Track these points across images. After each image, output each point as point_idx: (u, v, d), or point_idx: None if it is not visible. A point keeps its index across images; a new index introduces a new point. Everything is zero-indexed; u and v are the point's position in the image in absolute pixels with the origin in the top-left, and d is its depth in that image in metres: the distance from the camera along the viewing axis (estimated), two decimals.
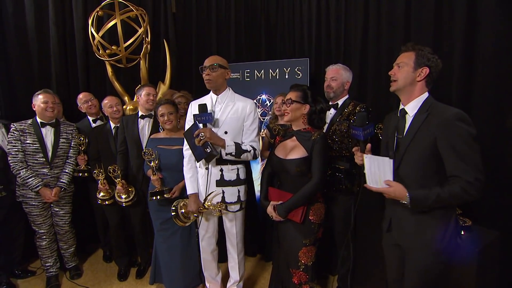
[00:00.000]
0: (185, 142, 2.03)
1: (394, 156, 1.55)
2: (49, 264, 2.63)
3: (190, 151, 2.01)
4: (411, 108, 1.51)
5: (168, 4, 3.49)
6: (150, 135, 2.51)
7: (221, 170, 2.00)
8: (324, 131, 2.22)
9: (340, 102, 2.32)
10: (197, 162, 2.00)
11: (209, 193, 1.99)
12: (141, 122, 2.59)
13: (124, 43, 2.93)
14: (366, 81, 3.05)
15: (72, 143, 2.61)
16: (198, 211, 2.01)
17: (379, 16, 2.97)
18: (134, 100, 2.97)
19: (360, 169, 1.59)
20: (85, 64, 3.26)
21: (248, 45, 3.71)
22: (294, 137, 1.87)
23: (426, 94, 1.50)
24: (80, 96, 2.85)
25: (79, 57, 3.22)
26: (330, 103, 2.35)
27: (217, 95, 2.02)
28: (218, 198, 2.02)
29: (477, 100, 2.33)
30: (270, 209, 1.88)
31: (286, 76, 3.35)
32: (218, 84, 1.98)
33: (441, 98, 1.60)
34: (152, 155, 2.21)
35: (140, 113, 2.60)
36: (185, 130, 2.02)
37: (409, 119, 1.52)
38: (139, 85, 2.71)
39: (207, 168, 1.99)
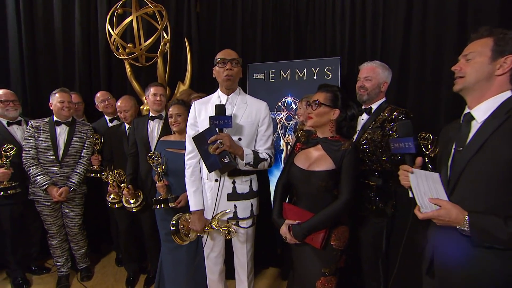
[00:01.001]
0: (188, 148, 1.78)
1: (448, 174, 1.18)
2: (59, 263, 2.57)
3: (194, 160, 1.77)
4: (482, 111, 1.12)
5: (192, 3, 3.34)
6: (160, 137, 2.34)
7: (234, 182, 1.73)
8: (354, 139, 1.86)
9: (374, 106, 1.95)
10: (209, 172, 1.71)
11: (218, 210, 1.73)
12: (151, 124, 2.43)
13: (145, 41, 2.81)
14: (406, 84, 2.62)
15: (87, 142, 2.52)
16: (203, 230, 1.75)
17: (425, 8, 2.52)
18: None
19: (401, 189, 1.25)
20: (107, 64, 3.21)
21: (275, 45, 3.42)
22: (319, 146, 1.57)
23: (508, 93, 1.11)
24: (98, 94, 2.78)
25: (102, 56, 3.18)
26: (363, 107, 2.00)
27: (228, 95, 1.74)
28: (229, 215, 1.75)
29: None
30: (284, 230, 1.58)
31: (315, 77, 3.01)
32: (236, 82, 1.73)
33: None
34: (159, 159, 2.01)
35: (150, 114, 2.44)
36: (191, 133, 1.77)
37: (475, 125, 1.13)
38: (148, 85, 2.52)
39: (217, 180, 1.73)
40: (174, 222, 1.84)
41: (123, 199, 2.38)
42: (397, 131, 1.26)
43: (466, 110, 1.21)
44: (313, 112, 1.55)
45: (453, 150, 1.21)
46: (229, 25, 3.51)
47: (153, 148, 2.38)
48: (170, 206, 1.98)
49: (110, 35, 2.81)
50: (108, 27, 2.79)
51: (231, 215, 1.75)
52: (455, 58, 1.26)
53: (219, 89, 1.79)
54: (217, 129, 1.59)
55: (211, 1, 3.45)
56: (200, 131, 1.71)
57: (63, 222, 2.52)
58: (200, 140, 1.62)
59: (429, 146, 1.36)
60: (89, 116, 2.96)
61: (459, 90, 1.19)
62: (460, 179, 1.13)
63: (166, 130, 2.39)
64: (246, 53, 3.42)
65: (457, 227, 1.08)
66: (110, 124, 2.76)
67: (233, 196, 1.73)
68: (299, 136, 1.80)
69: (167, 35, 2.93)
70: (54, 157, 2.37)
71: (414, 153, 1.23)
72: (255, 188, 1.80)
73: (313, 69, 3.01)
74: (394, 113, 1.81)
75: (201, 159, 1.73)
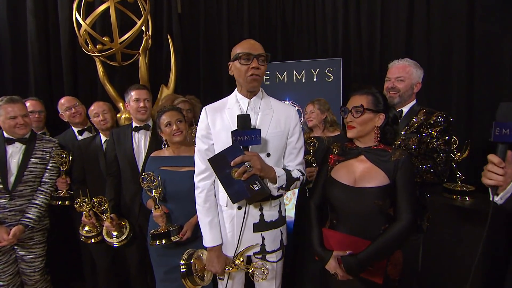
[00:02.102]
0: (199, 166, 1.38)
1: None
2: None
3: (208, 181, 1.38)
4: None
5: (173, 5, 2.91)
6: (148, 152, 1.89)
7: (261, 208, 1.36)
8: None
9: (405, 109, 1.71)
10: (232, 203, 1.29)
11: (242, 244, 1.35)
12: (136, 136, 1.96)
13: (120, 37, 2.29)
14: None
15: (50, 164, 1.96)
16: (224, 272, 1.35)
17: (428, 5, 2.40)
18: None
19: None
20: (72, 63, 2.61)
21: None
22: (363, 157, 1.30)
23: None
24: (62, 101, 2.20)
25: (65, 54, 2.57)
26: None
27: (250, 98, 1.37)
28: (255, 249, 1.37)
29: None
30: (333, 264, 1.25)
31: (314, 79, 2.76)
32: (260, 83, 1.36)
33: None
34: (154, 181, 1.57)
35: (133, 124, 1.97)
36: (203, 147, 1.37)
37: None
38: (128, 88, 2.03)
39: (240, 208, 1.34)
40: (184, 262, 1.40)
41: (104, 232, 1.88)
42: (505, 113, 0.94)
43: None
44: (355, 120, 1.28)
45: None
46: (214, 25, 3.15)
47: (140, 165, 1.92)
48: (174, 240, 1.55)
49: (79, 25, 2.24)
50: (76, 15, 2.21)
51: (257, 249, 1.38)
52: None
53: (236, 90, 1.40)
54: (241, 148, 1.21)
55: (194, 1, 3.06)
56: (216, 148, 1.33)
57: (18, 268, 1.91)
58: (220, 162, 1.23)
59: None
60: (50, 128, 2.36)
61: None
62: None
63: (155, 143, 1.94)
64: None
65: None
66: (79, 137, 2.20)
67: (261, 225, 1.36)
68: (331, 147, 1.49)
69: (148, 31, 2.45)
70: (1, 186, 1.77)
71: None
72: (284, 213, 1.45)
73: (312, 70, 2.76)
74: (433, 117, 1.58)
75: (218, 182, 1.34)
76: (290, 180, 1.32)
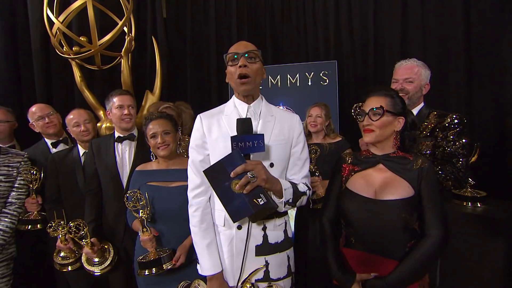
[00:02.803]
0: (194, 181, 1.19)
1: None
2: None
3: (203, 197, 1.19)
4: None
5: (158, 8, 2.71)
6: (134, 165, 1.67)
7: (264, 228, 1.17)
8: None
9: (414, 112, 1.58)
10: (233, 222, 1.09)
11: (245, 270, 1.15)
12: (119, 147, 1.73)
13: (100, 39, 2.05)
14: None
15: (18, 181, 1.69)
16: None
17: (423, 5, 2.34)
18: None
19: None
20: (44, 68, 2.32)
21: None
22: (382, 165, 1.17)
23: None
24: (33, 109, 1.92)
25: (36, 58, 2.28)
26: None
27: (249, 103, 1.20)
28: (259, 275, 1.17)
29: None
30: None
31: (309, 83, 2.62)
32: (257, 85, 1.19)
33: None
34: (141, 200, 1.34)
35: (116, 134, 1.74)
36: (197, 159, 1.18)
37: None
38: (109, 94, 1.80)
39: (240, 228, 1.15)
40: None
41: (83, 259, 1.61)
42: None
43: None
44: (373, 123, 1.15)
45: None
46: (201, 28, 2.97)
47: (124, 181, 1.69)
48: (165, 268, 1.32)
49: (52, 24, 1.97)
50: (48, 12, 1.94)
51: (260, 276, 1.18)
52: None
53: (234, 96, 1.24)
54: (242, 155, 1.03)
55: (179, 4, 2.87)
56: (212, 159, 1.15)
57: None
58: (217, 174, 1.04)
59: None
60: (20, 140, 2.07)
61: None
62: None
63: (141, 155, 1.72)
64: (221, 56, 2.91)
65: None
66: (53, 150, 1.93)
67: (264, 248, 1.17)
68: (343, 156, 1.34)
69: (131, 32, 2.22)
70: None
71: None
72: (290, 233, 1.26)
73: (306, 74, 2.62)
74: (447, 120, 1.47)
75: (215, 198, 1.14)
76: (297, 194, 1.15)
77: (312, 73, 2.61)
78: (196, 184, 1.19)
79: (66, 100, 2.38)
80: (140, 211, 1.35)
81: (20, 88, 2.30)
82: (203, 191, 1.19)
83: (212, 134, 1.17)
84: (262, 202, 1.00)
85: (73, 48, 2.04)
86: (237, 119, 1.09)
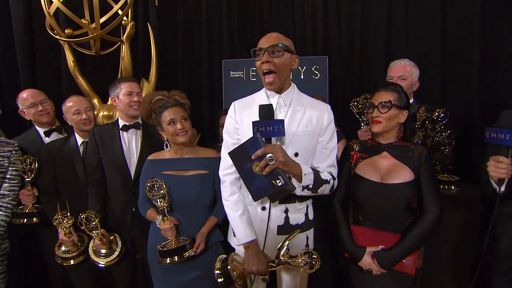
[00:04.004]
0: (226, 161, 1.23)
1: None
2: None
3: (233, 176, 1.24)
4: None
5: None
6: (141, 155, 1.63)
7: (286, 210, 1.23)
8: None
9: None
10: (254, 201, 1.18)
11: (267, 247, 1.22)
12: (125, 136, 1.66)
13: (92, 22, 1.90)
14: None
15: (10, 171, 1.55)
16: (267, 271, 1.18)
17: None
18: (109, 103, 1.98)
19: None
20: (29, 51, 2.10)
21: (243, 39, 2.96)
22: (386, 153, 1.30)
23: None
24: (24, 95, 1.75)
25: (19, 40, 2.05)
26: None
27: (279, 93, 1.23)
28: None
29: None
30: (368, 260, 1.22)
31: (302, 76, 2.71)
32: (284, 78, 1.21)
33: None
34: (161, 189, 1.33)
35: (121, 123, 1.67)
36: (230, 142, 1.24)
37: None
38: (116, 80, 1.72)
39: (264, 208, 1.21)
40: (220, 271, 1.20)
41: (90, 251, 1.55)
42: (504, 121, 1.08)
43: None
44: (381, 116, 1.26)
45: None
46: (192, 15, 2.89)
47: (132, 171, 1.63)
48: (187, 256, 1.32)
49: (49, 3, 1.78)
50: None
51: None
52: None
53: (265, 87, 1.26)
54: (263, 139, 1.09)
55: None
56: (239, 144, 1.17)
57: None
58: (240, 156, 1.12)
59: None
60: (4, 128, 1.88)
61: None
62: None
63: (148, 144, 1.67)
64: (213, 47, 2.90)
65: None
66: (46, 139, 1.79)
67: (285, 228, 1.24)
68: (350, 144, 1.44)
69: (128, 17, 2.10)
70: None
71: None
72: (311, 216, 1.33)
73: (299, 67, 2.70)
74: (435, 114, 1.65)
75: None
76: (318, 181, 1.19)
77: (305, 67, 2.70)
78: (228, 164, 1.23)
79: (53, 87, 2.18)
80: (159, 200, 1.34)
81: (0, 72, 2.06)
82: (234, 171, 1.22)
83: (244, 123, 1.21)
84: (280, 183, 1.07)
85: (66, 31, 1.88)
86: (260, 105, 1.15)
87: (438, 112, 1.65)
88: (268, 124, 1.10)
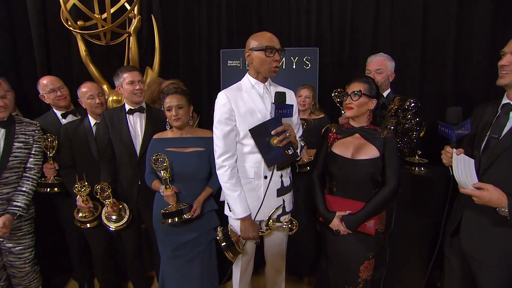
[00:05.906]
0: (221, 148, 1.44)
1: (479, 157, 1.29)
2: None
3: (231, 160, 1.46)
4: None
5: None
6: (146, 135, 1.84)
7: (281, 176, 1.54)
8: None
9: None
10: (268, 167, 1.47)
11: (263, 209, 1.50)
12: (131, 119, 1.87)
13: (102, 13, 2.08)
14: None
15: (34, 148, 1.77)
16: (259, 236, 1.51)
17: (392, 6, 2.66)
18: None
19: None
20: (42, 39, 2.27)
21: (239, 29, 3.10)
22: (357, 135, 1.51)
23: None
24: (45, 81, 1.95)
25: (35, 28, 2.22)
26: None
27: (264, 83, 1.48)
28: (279, 211, 1.56)
29: None
30: (337, 222, 1.46)
31: (294, 66, 2.87)
32: None
33: None
34: (164, 162, 1.55)
35: (127, 107, 1.87)
36: (226, 129, 1.45)
37: None
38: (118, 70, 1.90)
39: (266, 177, 1.48)
40: (222, 238, 1.49)
41: (103, 217, 1.79)
42: (448, 117, 1.26)
43: (505, 100, 1.27)
44: (353, 103, 1.47)
45: (487, 136, 1.28)
46: (193, 5, 3.02)
47: (138, 149, 1.85)
48: (185, 218, 1.57)
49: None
50: None
51: (280, 211, 1.55)
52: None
53: (248, 75, 1.49)
54: (281, 119, 1.38)
55: None
56: (240, 128, 1.44)
57: (3, 262, 1.73)
58: (261, 132, 1.39)
59: None
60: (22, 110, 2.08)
61: (506, 85, 1.24)
62: (494, 164, 1.22)
63: (151, 125, 1.88)
64: (212, 37, 3.04)
65: (497, 208, 1.15)
66: (63, 121, 2.01)
67: (282, 190, 1.54)
68: (329, 127, 1.66)
69: (134, 10, 2.26)
70: None
71: (457, 141, 1.27)
72: (291, 179, 1.64)
73: (292, 58, 2.86)
74: (407, 103, 1.84)
75: (248, 157, 1.49)
76: (301, 148, 1.55)
77: (297, 57, 2.85)
78: (224, 150, 1.44)
79: (66, 73, 2.38)
80: (163, 171, 1.56)
81: (18, 60, 2.25)
82: (231, 156, 1.45)
83: (240, 109, 1.42)
84: (291, 152, 1.38)
85: (78, 23, 2.05)
86: (276, 92, 1.39)
87: (410, 102, 1.83)
88: (285, 108, 1.38)
